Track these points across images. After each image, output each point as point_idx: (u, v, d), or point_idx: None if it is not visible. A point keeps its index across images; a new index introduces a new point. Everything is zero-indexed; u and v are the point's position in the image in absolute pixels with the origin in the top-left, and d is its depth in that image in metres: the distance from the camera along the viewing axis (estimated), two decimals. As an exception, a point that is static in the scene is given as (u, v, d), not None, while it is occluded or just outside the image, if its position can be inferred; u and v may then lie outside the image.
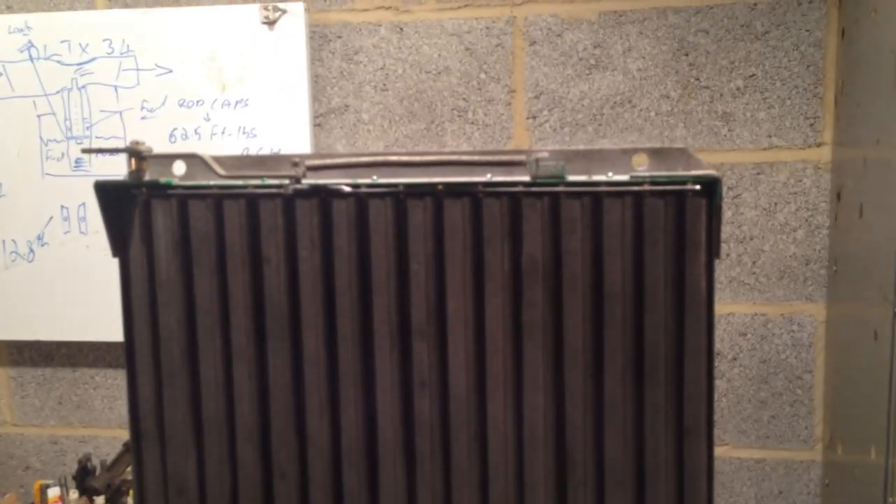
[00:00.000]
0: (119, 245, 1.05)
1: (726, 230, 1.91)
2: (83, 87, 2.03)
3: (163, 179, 1.02)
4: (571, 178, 0.97)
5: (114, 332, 2.07)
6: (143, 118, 2.02)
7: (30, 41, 2.04)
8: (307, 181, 1.00)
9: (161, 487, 1.07)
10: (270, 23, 1.96)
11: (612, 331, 0.99)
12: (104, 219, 1.03)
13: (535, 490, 1.02)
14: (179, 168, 1.03)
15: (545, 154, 0.96)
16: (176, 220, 1.03)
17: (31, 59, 2.04)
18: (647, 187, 0.95)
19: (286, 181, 1.00)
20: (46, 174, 2.06)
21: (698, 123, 1.90)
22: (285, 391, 1.05)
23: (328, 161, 1.00)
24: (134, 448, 1.08)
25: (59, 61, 2.03)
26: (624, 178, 0.96)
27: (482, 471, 1.03)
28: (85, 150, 1.04)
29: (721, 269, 1.92)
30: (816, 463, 1.95)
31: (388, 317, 1.02)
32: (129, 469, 1.82)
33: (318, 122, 2.03)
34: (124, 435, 2.16)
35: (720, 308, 1.93)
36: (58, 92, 2.04)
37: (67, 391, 2.22)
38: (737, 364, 1.95)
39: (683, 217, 0.95)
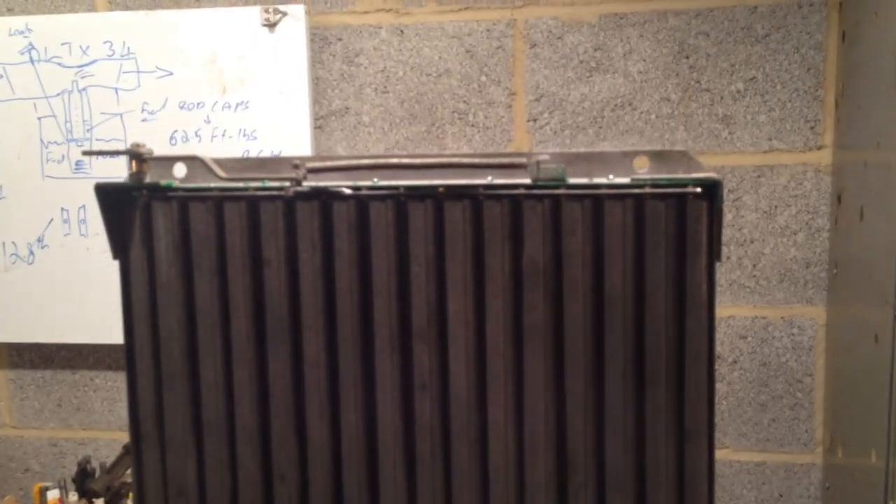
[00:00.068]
0: (119, 247, 1.05)
1: (727, 233, 1.91)
2: (84, 89, 2.03)
3: (163, 182, 1.02)
4: (572, 180, 0.97)
5: (114, 334, 2.07)
6: (143, 120, 2.02)
7: (30, 43, 2.04)
8: (308, 183, 1.00)
9: (161, 490, 1.07)
10: (271, 25, 1.96)
11: (612, 334, 0.99)
12: (105, 221, 1.03)
13: (536, 493, 1.02)
14: (180, 170, 1.03)
15: (546, 156, 0.96)
16: (176, 222, 1.03)
17: (31, 61, 2.04)
18: (647, 190, 0.95)
19: (287, 183, 1.00)
20: (47, 176, 2.06)
21: (699, 126, 1.90)
22: (285, 393, 1.05)
23: (329, 163, 1.00)
24: (134, 450, 1.07)
25: (59, 63, 2.03)
26: (625, 180, 0.96)
27: (483, 474, 1.03)
28: (85, 153, 1.04)
29: (721, 272, 1.92)
30: (817, 466, 1.95)
31: (388, 319, 1.02)
32: (128, 471, 1.82)
33: (319, 124, 2.03)
34: (124, 437, 2.16)
35: (720, 311, 1.93)
36: (58, 94, 2.04)
37: (67, 393, 2.21)
38: (737, 367, 1.95)
39: (684, 220, 0.95)
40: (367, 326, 1.03)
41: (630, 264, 0.98)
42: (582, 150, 1.89)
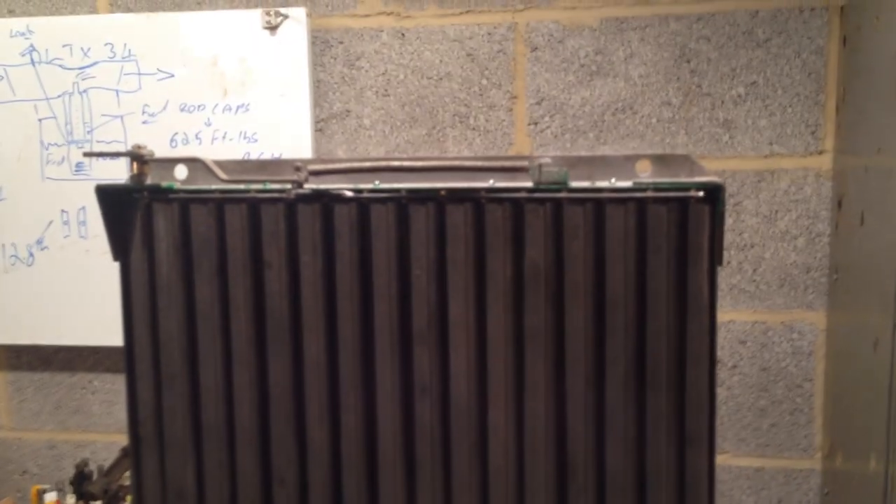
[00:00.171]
0: (120, 249, 1.05)
1: (727, 237, 1.91)
2: (84, 91, 2.03)
3: (164, 183, 1.02)
4: (574, 184, 0.97)
5: (112, 336, 2.06)
6: (144, 122, 2.01)
7: (31, 45, 2.04)
8: (309, 186, 1.00)
9: (160, 493, 1.07)
10: (272, 28, 1.96)
11: (613, 338, 0.99)
12: (105, 223, 1.03)
13: (536, 497, 1.02)
14: (181, 172, 1.03)
15: (548, 160, 0.96)
16: (177, 224, 1.03)
17: (32, 62, 2.04)
18: (650, 194, 0.95)
19: (288, 186, 1.00)
20: (47, 178, 2.06)
21: (699, 130, 1.90)
22: (285, 396, 1.05)
23: (330, 166, 1.00)
24: (133, 453, 1.07)
25: (60, 65, 2.03)
26: (627, 184, 0.96)
27: (483, 478, 1.03)
28: (87, 154, 1.04)
29: (721, 277, 1.92)
30: (816, 472, 1.94)
31: (389, 322, 1.02)
32: (126, 474, 1.82)
33: (320, 127, 2.03)
34: (122, 440, 2.16)
35: (720, 315, 1.93)
36: (59, 96, 2.04)
37: (65, 396, 2.21)
38: (736, 372, 1.95)
39: (686, 224, 0.95)
40: (368, 329, 1.03)
41: (631, 268, 0.97)
42: (584, 153, 1.90)
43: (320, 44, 2.01)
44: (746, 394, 1.95)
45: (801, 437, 1.94)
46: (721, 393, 1.95)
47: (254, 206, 1.02)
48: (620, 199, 0.96)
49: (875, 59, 1.61)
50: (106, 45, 2.02)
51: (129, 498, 1.79)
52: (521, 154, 1.96)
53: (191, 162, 1.02)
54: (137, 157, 1.00)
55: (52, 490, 2.02)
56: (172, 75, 2.00)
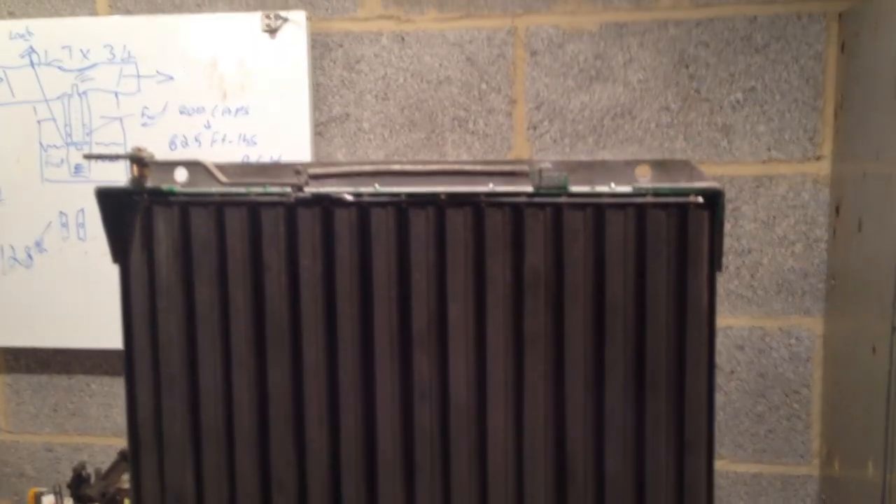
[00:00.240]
0: (120, 252, 1.05)
1: (725, 243, 1.91)
2: (84, 92, 2.03)
3: (165, 186, 1.02)
4: (574, 189, 0.97)
5: (111, 339, 2.06)
6: (143, 125, 2.01)
7: (31, 46, 2.04)
8: (309, 189, 1.00)
9: (159, 496, 1.07)
10: (272, 31, 1.96)
11: (613, 342, 0.99)
12: (105, 225, 1.03)
13: (535, 501, 1.02)
14: (181, 175, 1.03)
15: (548, 165, 0.96)
16: (177, 227, 1.03)
17: (31, 64, 2.04)
18: (649, 199, 0.95)
19: (288, 189, 1.00)
20: (46, 180, 2.06)
21: (698, 135, 1.90)
22: (285, 400, 1.05)
23: (331, 170, 1.00)
24: (132, 456, 1.07)
25: (59, 67, 2.03)
26: (627, 189, 0.96)
27: (482, 482, 1.03)
28: (87, 156, 1.04)
29: (719, 282, 1.92)
30: (813, 478, 1.94)
31: (388, 326, 1.02)
32: (124, 477, 1.81)
33: (319, 130, 2.03)
34: (120, 443, 2.15)
35: (718, 321, 1.93)
36: (58, 98, 2.04)
37: (63, 398, 2.21)
38: (734, 377, 1.95)
39: (686, 229, 0.95)
40: (368, 333, 1.03)
41: (631, 273, 0.98)
42: (584, 158, 1.90)
43: (320, 47, 2.01)
44: (744, 399, 1.95)
45: (799, 444, 1.94)
46: (719, 398, 1.95)
47: (254, 209, 1.02)
48: (620, 205, 0.96)
49: (873, 66, 1.62)
50: (105, 47, 2.02)
51: (127, 501, 1.79)
52: (520, 158, 1.97)
53: (191, 165, 1.02)
54: (138, 159, 1.00)
55: (49, 493, 2.02)
56: (172, 78, 2.00)
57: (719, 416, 1.96)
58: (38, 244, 2.08)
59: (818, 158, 1.87)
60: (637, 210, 0.96)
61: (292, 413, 1.05)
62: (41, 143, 2.05)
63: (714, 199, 0.94)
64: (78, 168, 2.04)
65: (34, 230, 2.08)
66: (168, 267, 1.04)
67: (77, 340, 2.11)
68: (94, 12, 2.08)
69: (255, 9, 2.01)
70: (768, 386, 1.94)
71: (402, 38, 1.99)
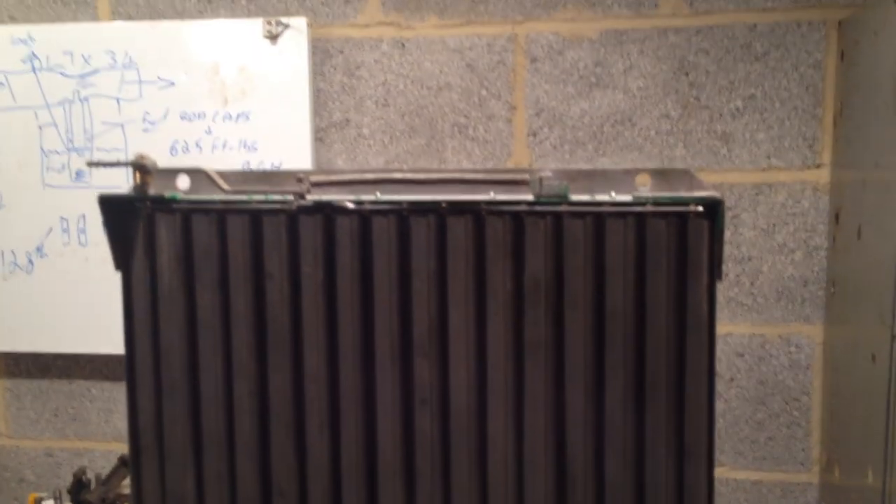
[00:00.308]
0: (122, 258, 1.05)
1: (724, 250, 1.91)
2: (85, 98, 2.03)
3: (167, 194, 1.03)
4: (574, 197, 0.98)
5: (111, 344, 2.06)
6: (144, 130, 2.02)
7: (32, 52, 2.04)
8: (311, 197, 1.00)
9: (160, 502, 1.07)
10: (273, 37, 1.97)
11: (613, 351, 0.99)
12: (107, 232, 1.03)
13: (535, 509, 1.02)
14: (183, 182, 1.03)
15: (549, 173, 0.97)
16: (179, 234, 1.03)
17: (33, 69, 2.05)
18: (649, 208, 0.96)
19: (290, 197, 1.00)
20: (47, 185, 2.06)
21: (698, 143, 1.91)
22: (286, 407, 1.05)
23: (332, 178, 1.01)
24: (133, 463, 1.07)
25: (61, 72, 2.04)
26: (627, 198, 0.97)
27: (482, 489, 1.03)
28: (90, 164, 1.05)
29: (719, 290, 1.92)
30: (813, 485, 1.95)
31: (389, 333, 1.02)
32: (124, 483, 1.81)
33: (320, 136, 2.04)
34: (120, 448, 2.15)
35: (718, 328, 1.93)
36: (60, 103, 2.04)
37: (63, 403, 2.21)
38: (734, 385, 1.95)
39: (686, 238, 0.96)
40: (368, 340, 1.03)
41: (631, 282, 0.98)
42: (584, 167, 1.90)
43: (320, 53, 2.02)
44: (744, 407, 1.95)
45: (799, 451, 1.94)
46: (719, 406, 1.95)
47: (256, 216, 1.03)
48: (620, 213, 0.97)
49: (873, 74, 1.62)
50: (107, 52, 2.02)
51: (125, 506, 1.79)
52: (519, 165, 1.97)
53: (193, 172, 1.03)
54: (140, 167, 1.01)
55: (49, 498, 2.01)
56: (173, 83, 2.01)
57: (719, 424, 1.96)
58: (38, 249, 2.08)
59: (818, 166, 1.88)
60: (637, 219, 0.96)
61: (293, 419, 1.05)
62: (42, 149, 2.06)
63: (714, 209, 0.94)
64: (79, 174, 2.04)
65: (35, 235, 2.08)
66: (170, 274, 1.04)
67: (77, 345, 2.12)
68: (95, 18, 2.09)
69: (256, 15, 2.02)
70: (768, 393, 1.94)
71: (403, 45, 2.00)
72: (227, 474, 1.06)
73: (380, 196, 1.00)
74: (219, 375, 1.06)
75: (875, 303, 1.57)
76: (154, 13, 2.07)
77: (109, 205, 1.02)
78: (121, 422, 2.19)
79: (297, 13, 2.01)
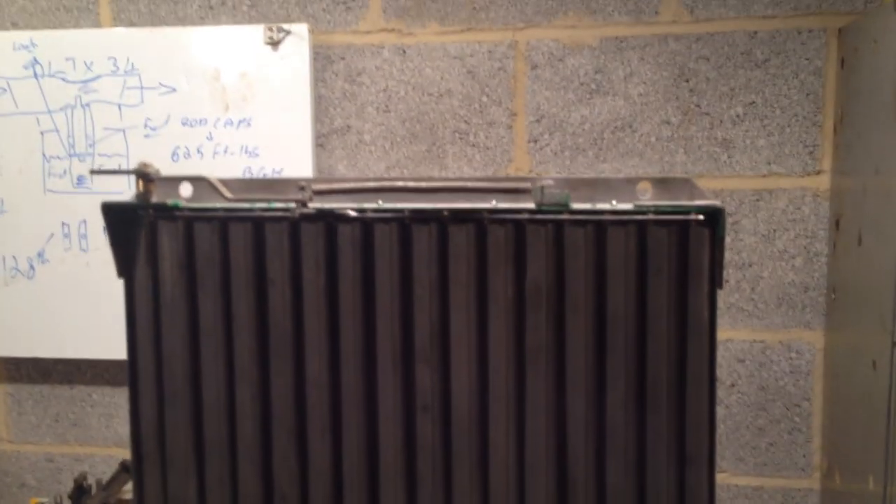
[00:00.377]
0: (125, 266, 1.05)
1: (725, 256, 1.91)
2: (87, 104, 2.04)
3: (170, 201, 1.03)
4: (575, 205, 0.98)
5: (112, 349, 2.07)
6: (146, 136, 2.02)
7: (34, 58, 2.05)
8: (313, 205, 1.01)
9: (161, 509, 1.07)
10: (274, 43, 1.97)
11: (614, 358, 0.99)
12: (110, 239, 1.03)
13: (536, 516, 1.02)
14: (186, 190, 1.04)
15: (550, 182, 0.97)
16: (182, 241, 1.04)
17: (35, 75, 2.05)
18: (650, 216, 0.96)
19: (293, 205, 1.01)
20: (48, 191, 2.07)
21: (698, 149, 1.91)
22: (287, 413, 1.05)
23: (334, 185, 1.01)
24: (135, 468, 1.07)
25: (63, 78, 2.04)
26: (628, 206, 0.97)
27: (483, 495, 1.03)
28: (93, 172, 1.05)
29: (720, 296, 1.93)
30: (814, 491, 1.95)
31: (391, 340, 1.03)
32: (125, 488, 1.82)
33: (321, 142, 2.04)
34: (121, 454, 2.16)
35: (718, 334, 1.93)
36: (61, 109, 2.05)
37: (64, 409, 2.21)
38: (735, 391, 1.95)
39: (686, 246, 0.96)
40: (370, 347, 1.04)
41: (632, 289, 0.98)
42: (586, 175, 1.91)
43: (322, 59, 2.03)
44: (745, 412, 1.95)
45: (800, 457, 1.95)
46: (719, 411, 1.95)
47: (258, 224, 1.03)
48: (621, 222, 0.97)
49: (873, 81, 1.63)
50: (109, 59, 2.03)
51: (126, 512, 1.79)
52: (520, 171, 1.98)
53: (196, 180, 1.03)
54: (143, 175, 1.01)
55: (49, 503, 2.02)
56: (174, 89, 2.02)
57: (720, 429, 1.96)
58: (40, 255, 2.09)
59: (818, 173, 1.88)
60: (638, 227, 0.97)
61: (295, 425, 1.06)
62: (44, 154, 2.06)
63: (715, 217, 0.94)
64: (80, 179, 2.05)
65: (36, 241, 2.08)
66: (172, 281, 1.04)
67: (78, 351, 2.12)
68: (97, 25, 2.10)
69: (257, 21, 2.03)
70: (769, 399, 1.94)
71: (404, 51, 2.00)
72: (229, 480, 1.06)
73: (382, 204, 1.00)
74: (221, 381, 1.06)
75: (875, 309, 1.57)
76: (156, 20, 2.07)
77: (112, 212, 1.03)
78: (121, 427, 2.19)
79: (298, 20, 2.01)
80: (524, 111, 1.98)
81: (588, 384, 1.00)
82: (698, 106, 1.90)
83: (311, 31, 1.98)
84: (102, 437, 2.20)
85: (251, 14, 2.04)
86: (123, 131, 2.03)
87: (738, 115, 1.90)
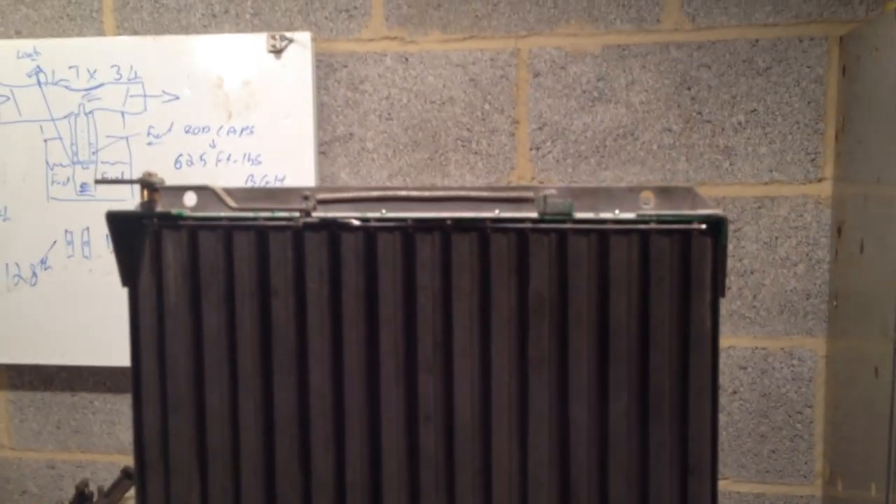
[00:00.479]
0: (129, 275, 1.05)
1: (727, 263, 1.91)
2: (90, 112, 2.04)
3: (174, 210, 1.03)
4: (578, 215, 0.98)
5: (114, 356, 2.07)
6: (149, 144, 2.03)
7: (38, 66, 2.06)
8: (317, 214, 1.01)
9: (165, 518, 1.07)
10: (277, 51, 1.98)
11: (616, 367, 0.99)
12: (114, 248, 1.04)
13: (539, 526, 1.02)
14: (190, 199, 1.04)
15: (553, 191, 0.97)
16: (186, 250, 1.04)
17: (39, 83, 2.06)
18: (653, 226, 0.96)
19: (296, 214, 1.01)
20: (51, 198, 2.07)
21: (700, 157, 1.92)
22: (291, 422, 1.05)
23: (338, 195, 1.01)
24: (138, 477, 1.08)
25: (66, 86, 2.05)
26: (630, 216, 0.97)
27: (486, 505, 1.03)
28: (98, 181, 1.05)
29: (722, 303, 1.92)
30: (816, 498, 1.94)
31: (394, 350, 1.03)
32: (126, 495, 1.82)
33: (323, 149, 2.05)
34: (122, 461, 2.16)
35: (721, 341, 1.93)
36: (65, 117, 2.05)
37: (66, 416, 2.21)
38: (737, 398, 1.95)
39: (689, 256, 0.96)
40: (373, 356, 1.04)
41: (634, 299, 0.98)
42: (588, 184, 1.91)
43: (324, 67, 2.03)
44: (747, 420, 1.95)
45: (802, 464, 1.95)
46: (721, 419, 1.95)
47: (262, 233, 1.03)
48: (624, 231, 0.97)
49: (874, 89, 1.63)
50: (112, 67, 2.03)
51: (129, 519, 1.79)
52: (522, 178, 1.98)
53: (200, 189, 1.03)
54: (148, 184, 1.01)
55: (51, 510, 2.02)
56: (178, 97, 2.02)
57: (722, 437, 1.96)
58: (43, 262, 2.09)
59: (820, 180, 1.88)
60: (641, 236, 0.97)
61: (298, 435, 1.06)
62: (47, 162, 2.07)
63: (717, 227, 0.95)
64: (84, 187, 2.05)
65: (39, 248, 2.09)
66: (176, 290, 1.05)
67: (80, 358, 2.12)
68: (101, 33, 2.10)
69: (260, 30, 2.03)
70: (771, 406, 1.94)
71: (406, 59, 2.01)
72: (232, 489, 1.07)
73: (385, 213, 1.01)
74: (224, 390, 1.06)
75: (878, 316, 1.58)
76: (159, 28, 2.08)
77: (117, 221, 1.03)
78: (123, 434, 2.19)
79: (301, 28, 2.02)
80: (526, 119, 1.98)
81: (591, 393, 1.00)
82: (700, 113, 1.91)
83: (314, 40, 1.99)
84: (104, 444, 2.20)
85: (254, 22, 2.04)
86: (126, 139, 2.04)
87: (739, 123, 1.90)
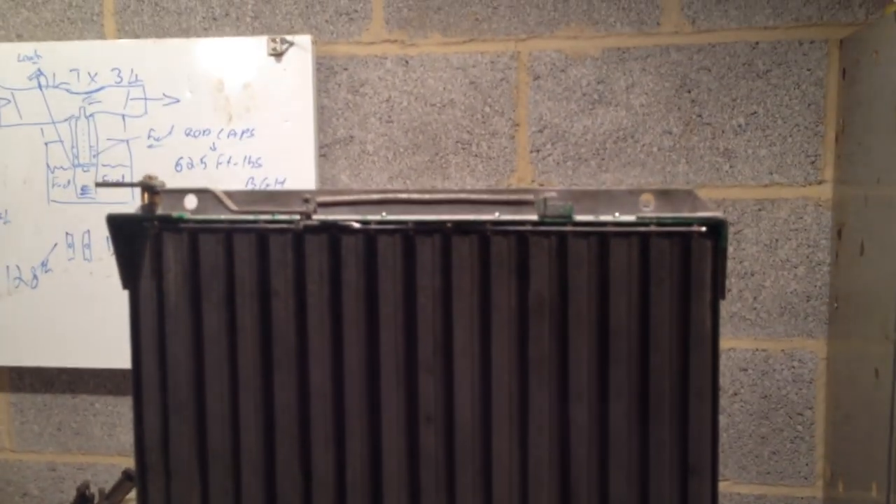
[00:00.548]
0: (130, 277, 1.06)
1: (727, 265, 1.92)
2: (91, 115, 2.05)
3: (174, 213, 1.03)
4: (578, 217, 0.98)
5: (115, 359, 2.07)
6: (149, 147, 2.03)
7: (39, 69, 2.06)
8: (317, 217, 1.01)
9: (165, 520, 1.08)
10: (278, 55, 1.98)
11: (616, 369, 1.00)
12: (115, 251, 1.04)
13: (540, 527, 1.02)
14: (191, 202, 1.04)
15: (553, 194, 0.98)
16: (186, 253, 1.04)
17: (39, 86, 2.06)
18: (653, 228, 0.97)
19: (296, 217, 1.01)
20: (52, 201, 2.07)
21: (700, 159, 1.92)
22: (291, 424, 1.05)
23: (338, 198, 1.02)
24: (139, 478, 1.08)
25: (67, 89, 2.05)
26: (630, 218, 0.98)
27: (487, 507, 1.03)
28: (99, 185, 1.06)
29: (722, 305, 1.92)
30: (817, 500, 1.95)
31: (394, 351, 1.03)
32: (127, 497, 1.82)
33: (324, 152, 2.05)
34: (123, 462, 2.16)
35: (721, 343, 1.94)
36: (65, 120, 2.06)
37: (67, 418, 2.21)
38: (738, 399, 1.96)
39: (689, 258, 0.96)
40: (374, 358, 1.04)
41: (635, 301, 0.99)
42: (589, 187, 1.91)
43: (325, 70, 2.03)
44: (747, 421, 1.95)
45: (803, 465, 1.95)
46: (722, 420, 1.95)
47: (262, 236, 1.03)
48: (624, 233, 0.97)
49: (874, 92, 1.63)
50: (113, 70, 2.04)
51: (130, 522, 1.79)
52: (522, 181, 1.98)
53: (201, 192, 1.04)
54: (149, 187, 1.02)
55: (52, 513, 2.02)
56: (178, 100, 2.02)
57: (723, 438, 1.96)
58: (43, 264, 2.09)
59: (820, 183, 1.89)
60: (641, 239, 0.97)
61: (299, 436, 1.06)
62: (48, 165, 2.07)
63: (717, 229, 0.95)
64: (84, 189, 2.05)
65: (40, 251, 2.09)
66: (177, 292, 1.05)
67: (81, 360, 2.12)
68: (102, 36, 2.11)
69: (261, 33, 2.04)
70: (772, 408, 1.94)
71: (407, 62, 2.01)
72: (232, 490, 1.07)
73: (385, 216, 1.01)
74: (225, 391, 1.06)
75: (878, 318, 1.58)
76: (160, 31, 2.08)
77: (118, 224, 1.03)
78: (124, 436, 2.19)
79: (301, 31, 2.02)
80: (526, 121, 1.98)
81: (591, 395, 1.00)
82: (700, 116, 1.91)
83: (315, 43, 1.99)
84: (105, 446, 2.20)
85: (255, 25, 2.05)
86: (127, 142, 2.04)
87: (739, 126, 1.90)
